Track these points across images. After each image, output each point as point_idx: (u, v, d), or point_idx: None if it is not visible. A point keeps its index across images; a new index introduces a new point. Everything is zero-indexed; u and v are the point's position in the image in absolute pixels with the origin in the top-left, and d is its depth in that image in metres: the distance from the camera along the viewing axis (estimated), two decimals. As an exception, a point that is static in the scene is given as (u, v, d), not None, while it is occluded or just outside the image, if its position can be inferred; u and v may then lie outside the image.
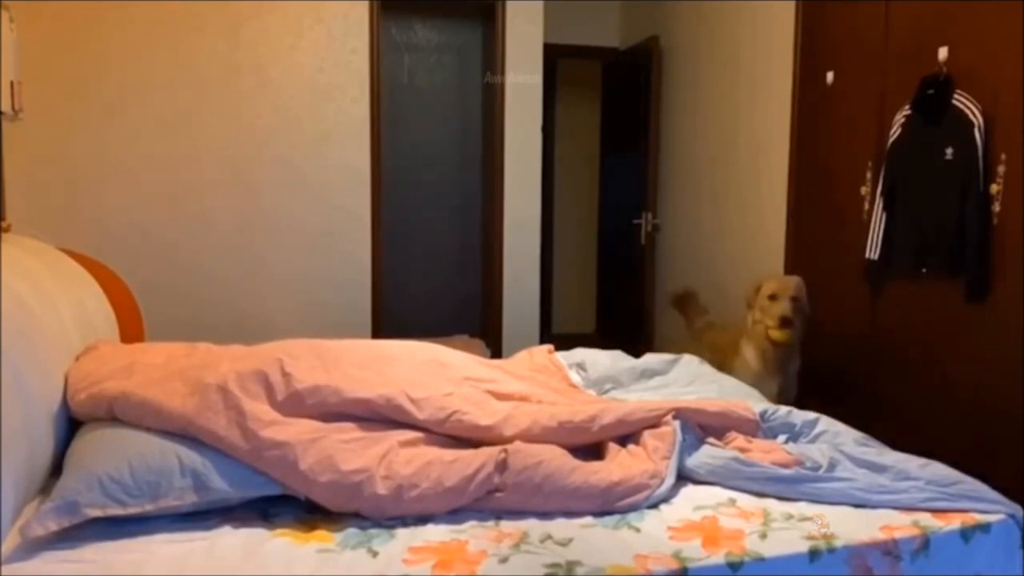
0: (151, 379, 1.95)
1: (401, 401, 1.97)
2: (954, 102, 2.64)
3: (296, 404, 1.92)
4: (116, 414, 1.84)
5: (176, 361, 2.15)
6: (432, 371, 2.21)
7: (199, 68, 3.82)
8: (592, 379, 2.63)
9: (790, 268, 3.67)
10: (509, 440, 1.93)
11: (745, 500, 1.85)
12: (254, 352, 2.10)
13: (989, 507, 1.79)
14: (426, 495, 1.72)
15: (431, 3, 4.91)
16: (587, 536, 1.65)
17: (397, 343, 2.42)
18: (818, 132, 3.47)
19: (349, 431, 1.89)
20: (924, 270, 2.80)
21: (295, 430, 1.82)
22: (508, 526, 1.69)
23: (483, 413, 2.01)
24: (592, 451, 2.04)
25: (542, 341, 3.81)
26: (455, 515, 1.73)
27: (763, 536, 1.66)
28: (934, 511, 1.78)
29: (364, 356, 2.17)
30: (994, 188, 2.53)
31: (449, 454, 1.85)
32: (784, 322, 3.09)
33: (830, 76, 3.35)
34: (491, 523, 1.70)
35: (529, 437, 1.94)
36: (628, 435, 2.06)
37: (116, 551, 1.53)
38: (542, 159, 4.63)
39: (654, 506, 1.80)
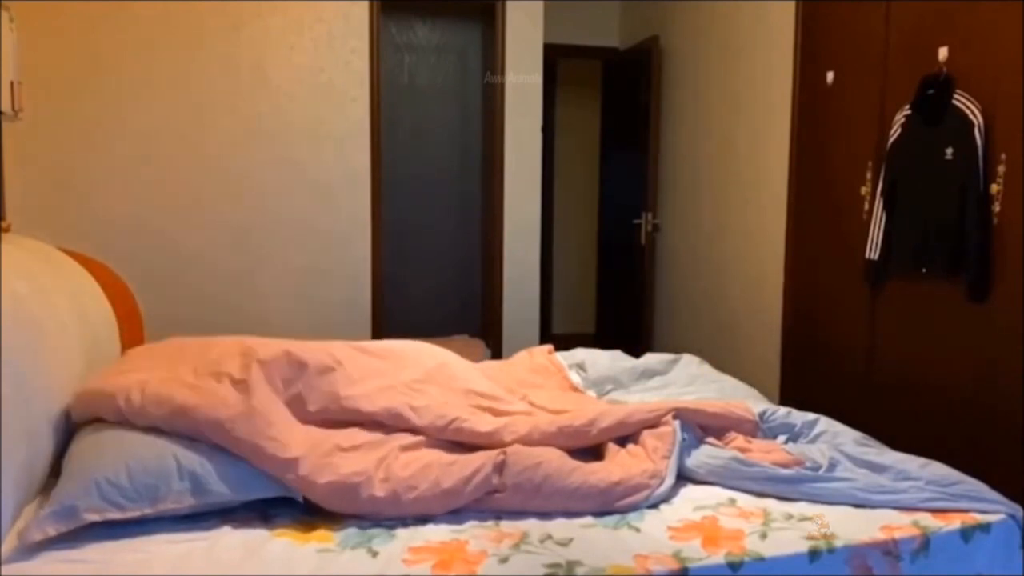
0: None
1: (402, 411, 1.98)
2: (954, 102, 2.64)
3: (299, 408, 1.94)
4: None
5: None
6: (434, 378, 2.22)
7: (199, 68, 3.81)
8: (592, 379, 2.63)
9: (790, 268, 3.67)
10: (509, 446, 1.93)
11: (745, 500, 1.85)
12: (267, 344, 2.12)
13: (989, 507, 1.79)
14: (423, 497, 1.72)
15: (431, 3, 4.91)
16: (587, 536, 1.65)
17: (400, 343, 2.42)
18: (818, 132, 3.47)
19: (352, 437, 1.89)
20: (924, 270, 2.79)
21: (300, 435, 1.84)
22: (508, 526, 1.69)
23: (483, 420, 2.01)
24: (592, 451, 2.04)
25: (542, 341, 3.81)
26: (455, 515, 1.73)
27: (763, 536, 1.66)
28: (934, 511, 1.78)
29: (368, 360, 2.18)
30: (994, 188, 2.53)
31: (448, 457, 1.85)
32: None
33: (830, 76, 3.34)
34: (491, 523, 1.71)
35: (529, 443, 1.94)
36: (628, 435, 2.06)
37: (117, 551, 1.53)
38: (542, 159, 4.62)
39: (654, 506, 1.80)
